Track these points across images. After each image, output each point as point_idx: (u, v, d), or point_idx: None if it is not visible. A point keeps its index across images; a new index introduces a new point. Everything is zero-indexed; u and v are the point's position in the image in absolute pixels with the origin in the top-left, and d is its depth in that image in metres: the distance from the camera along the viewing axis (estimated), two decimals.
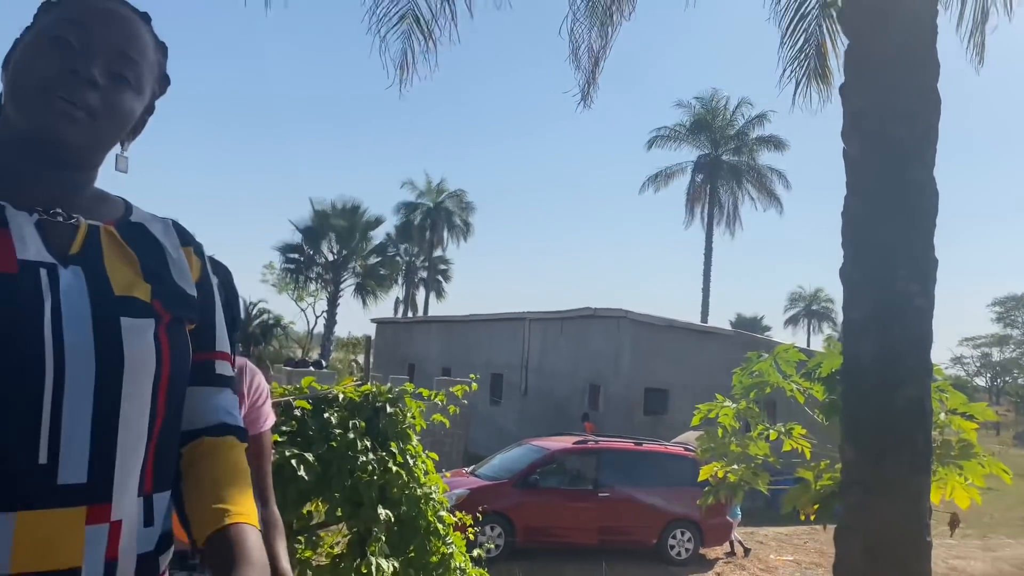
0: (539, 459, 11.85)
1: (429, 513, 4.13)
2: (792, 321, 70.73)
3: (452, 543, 4.24)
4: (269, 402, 1.98)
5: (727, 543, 12.31)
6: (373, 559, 3.71)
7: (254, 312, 37.28)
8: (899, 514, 3.28)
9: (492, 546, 10.34)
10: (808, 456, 4.90)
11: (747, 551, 12.32)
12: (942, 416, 4.49)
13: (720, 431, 4.91)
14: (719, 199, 36.23)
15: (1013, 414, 56.51)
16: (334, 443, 3.88)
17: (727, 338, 18.97)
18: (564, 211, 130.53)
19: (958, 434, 4.53)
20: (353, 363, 33.16)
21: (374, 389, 4.27)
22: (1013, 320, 61.01)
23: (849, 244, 3.50)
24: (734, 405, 4.87)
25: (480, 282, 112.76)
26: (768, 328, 68.56)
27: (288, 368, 21.57)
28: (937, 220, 3.38)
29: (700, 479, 5.03)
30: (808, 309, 69.51)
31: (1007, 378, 65.60)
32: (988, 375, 67.14)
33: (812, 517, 4.85)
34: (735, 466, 4.74)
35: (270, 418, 1.96)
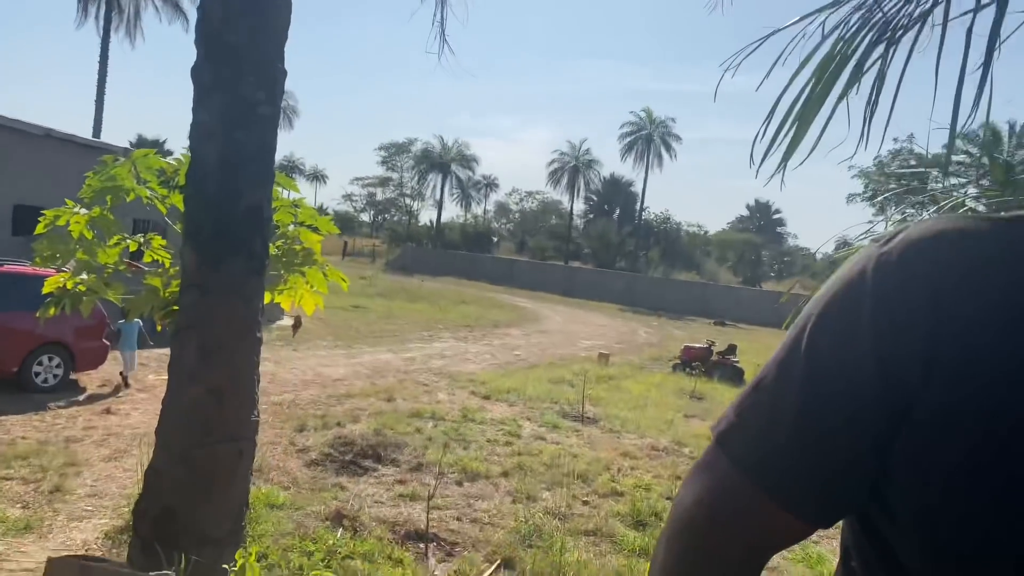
0: None
1: None
2: None
3: None
4: None
5: (121, 379, 11.66)
6: None
7: None
8: (233, 313, 3.44)
9: None
10: (168, 266, 4.83)
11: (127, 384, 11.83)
12: (291, 227, 4.83)
13: (67, 239, 4.50)
14: (118, 1, 32.50)
15: (387, 245, 65.53)
16: None
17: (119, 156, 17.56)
18: None
19: (304, 244, 4.94)
20: None
21: None
22: (394, 164, 69.54)
23: (201, 43, 3.38)
24: (86, 212, 4.49)
25: None
26: (171, 152, 65.48)
27: None
28: (289, 34, 3.47)
29: (45, 291, 4.58)
30: None
31: (387, 215, 75.27)
32: (372, 211, 75.95)
33: (168, 325, 4.85)
34: (84, 276, 4.43)
35: None
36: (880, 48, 1.60)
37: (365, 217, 75.29)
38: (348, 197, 72.38)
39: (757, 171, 1.90)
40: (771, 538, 0.86)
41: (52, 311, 4.52)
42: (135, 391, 11.46)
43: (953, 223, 0.79)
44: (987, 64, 1.66)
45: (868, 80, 1.69)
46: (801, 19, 1.67)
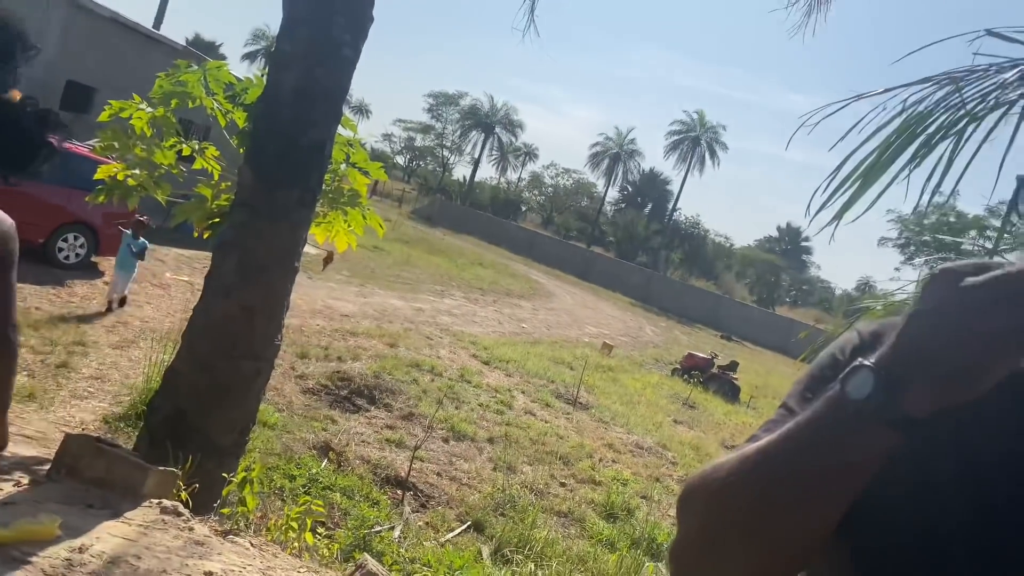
0: None
1: None
2: (250, 57, 69.06)
3: None
4: None
5: (112, 299, 9.92)
6: None
7: None
8: (277, 239, 3.57)
9: None
10: (216, 178, 4.95)
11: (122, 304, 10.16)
12: (343, 166, 4.94)
13: (129, 133, 4.62)
14: None
15: (417, 193, 65.67)
16: None
17: (175, 51, 17.63)
18: None
19: (351, 184, 5.06)
20: None
21: None
22: (440, 114, 69.35)
23: None
24: (151, 110, 4.61)
25: None
26: (224, 58, 65.64)
27: None
28: None
29: (96, 177, 4.70)
30: (269, 50, 68.41)
31: (421, 162, 75.28)
32: (408, 156, 75.90)
33: (206, 235, 4.99)
34: (137, 171, 4.56)
35: None
36: (947, 144, 1.71)
37: (400, 160, 75.31)
38: (388, 137, 72.39)
39: (811, 220, 2.01)
40: None
41: (102, 199, 4.67)
42: (151, 285, 11.66)
43: None
44: None
45: (933, 157, 1.79)
46: (886, 91, 1.78)
